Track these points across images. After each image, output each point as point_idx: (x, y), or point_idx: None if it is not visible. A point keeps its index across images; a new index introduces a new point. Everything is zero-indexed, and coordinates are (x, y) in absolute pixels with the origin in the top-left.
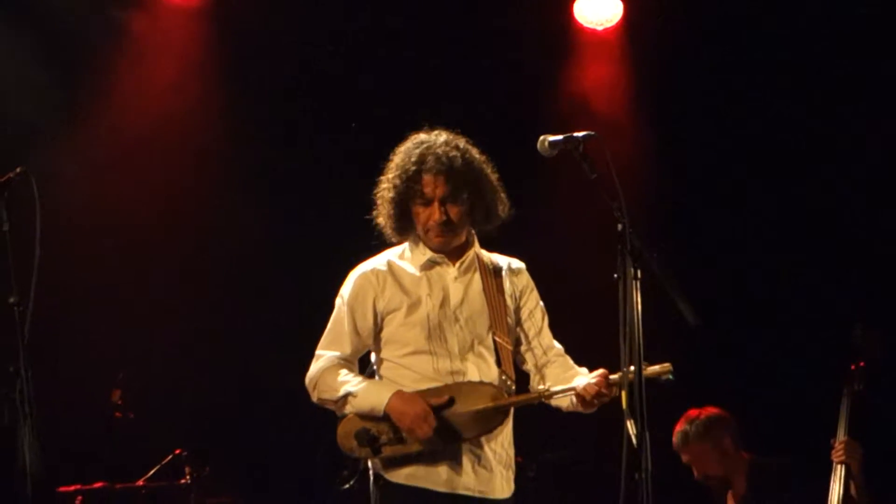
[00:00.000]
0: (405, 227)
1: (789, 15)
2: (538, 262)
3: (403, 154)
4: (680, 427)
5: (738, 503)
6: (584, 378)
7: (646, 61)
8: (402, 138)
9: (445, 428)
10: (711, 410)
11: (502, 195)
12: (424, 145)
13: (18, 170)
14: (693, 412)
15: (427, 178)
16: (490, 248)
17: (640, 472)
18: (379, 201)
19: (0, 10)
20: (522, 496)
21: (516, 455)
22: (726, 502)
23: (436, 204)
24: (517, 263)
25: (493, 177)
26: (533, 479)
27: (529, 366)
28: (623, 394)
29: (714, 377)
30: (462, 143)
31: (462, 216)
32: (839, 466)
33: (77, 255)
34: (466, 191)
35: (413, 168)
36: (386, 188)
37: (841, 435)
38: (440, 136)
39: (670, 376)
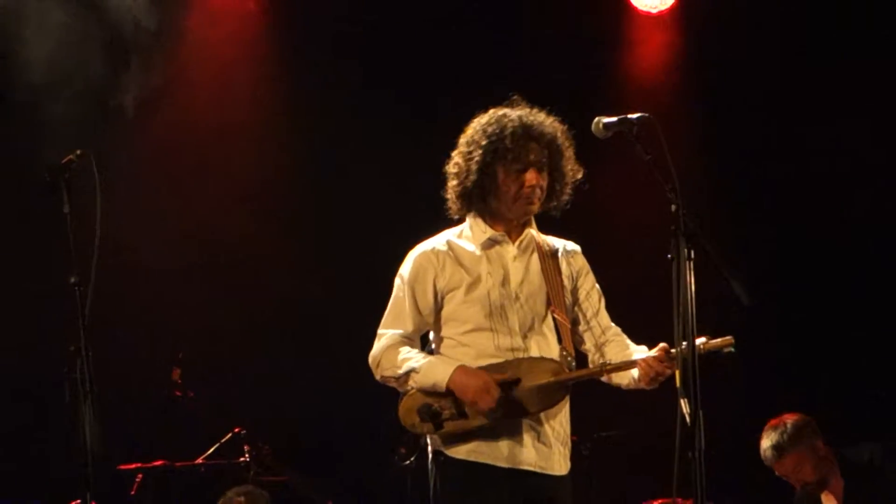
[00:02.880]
0: (481, 195)
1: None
2: (594, 243)
3: (494, 122)
4: (767, 440)
5: (841, 501)
6: (643, 351)
7: (697, 44)
8: (460, 119)
9: (508, 402)
10: (793, 417)
11: (577, 180)
12: (523, 116)
13: (79, 152)
14: (774, 422)
15: (533, 145)
16: (545, 230)
17: (694, 450)
18: (455, 170)
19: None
20: (576, 474)
21: (572, 433)
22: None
23: (533, 171)
24: (572, 246)
25: (573, 160)
26: (587, 457)
27: (588, 345)
28: (677, 372)
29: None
30: (558, 121)
31: (544, 191)
32: None
33: (136, 236)
34: (553, 168)
35: (517, 132)
36: (473, 153)
37: None
38: (535, 111)
39: (732, 349)
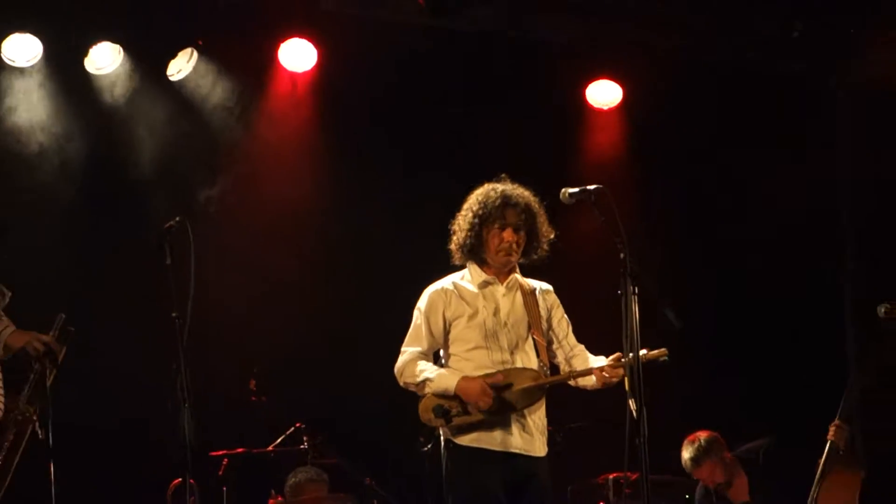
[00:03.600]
0: (475, 249)
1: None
2: (563, 282)
3: (483, 194)
4: (686, 453)
5: (745, 492)
6: (602, 361)
7: (637, 133)
8: (456, 186)
9: (500, 402)
10: (705, 434)
11: (548, 235)
12: (505, 189)
13: (178, 219)
14: (691, 437)
15: (510, 211)
16: (525, 275)
17: (640, 437)
18: (456, 228)
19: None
20: (553, 454)
21: (548, 424)
22: (729, 497)
23: (510, 230)
24: (546, 286)
25: (545, 221)
26: (560, 442)
27: (560, 359)
28: (626, 379)
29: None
30: (529, 192)
31: (520, 245)
32: (828, 442)
33: (219, 281)
34: (528, 227)
35: (497, 202)
36: (468, 216)
37: (837, 417)
38: (516, 186)
39: (666, 358)
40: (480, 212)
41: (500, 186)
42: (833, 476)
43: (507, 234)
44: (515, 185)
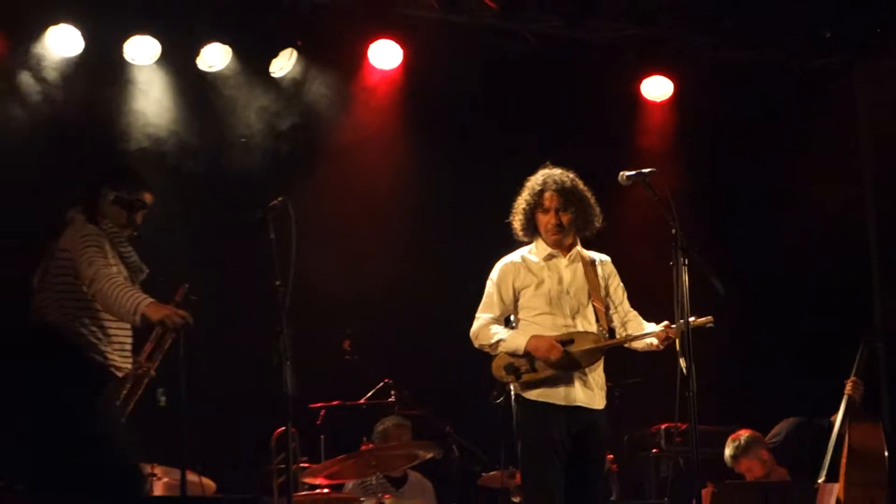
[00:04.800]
0: (531, 230)
1: None
2: (621, 254)
3: (532, 181)
4: (728, 450)
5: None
6: (653, 326)
7: (685, 126)
8: (526, 172)
9: (566, 360)
10: (746, 433)
11: (597, 211)
12: (545, 174)
13: (280, 199)
14: (733, 436)
15: (547, 194)
16: (587, 247)
17: (689, 391)
18: (514, 212)
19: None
20: (611, 407)
21: (607, 380)
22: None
23: (552, 212)
24: (604, 257)
25: (591, 198)
26: (617, 397)
27: (616, 323)
28: (677, 341)
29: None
30: (571, 174)
31: (569, 222)
32: (846, 396)
33: (316, 252)
34: (572, 205)
35: (538, 188)
36: (519, 203)
37: (852, 374)
38: (556, 169)
39: (712, 325)
40: (528, 198)
41: (542, 173)
42: (857, 425)
43: (549, 217)
44: (559, 171)
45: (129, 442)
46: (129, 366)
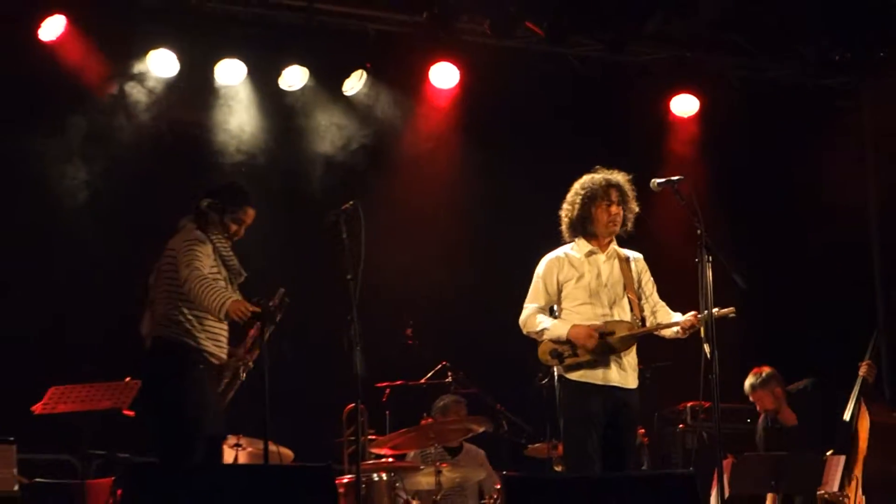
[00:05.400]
0: (579, 226)
1: None
2: (651, 252)
3: (588, 180)
4: (749, 380)
5: (790, 418)
6: (680, 316)
7: (709, 138)
8: (569, 180)
9: (603, 346)
10: (767, 369)
11: (635, 213)
12: (605, 174)
13: (351, 203)
14: (756, 370)
15: (612, 189)
16: (621, 245)
17: (712, 374)
18: (567, 207)
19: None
20: (642, 387)
21: (639, 363)
22: (778, 420)
23: (615, 206)
24: (637, 254)
25: (634, 202)
26: (648, 378)
27: (647, 313)
28: (702, 329)
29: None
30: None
31: (621, 218)
32: (859, 378)
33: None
34: (625, 204)
35: (603, 183)
36: (576, 198)
37: (866, 357)
38: (613, 171)
39: (733, 314)
40: (588, 193)
41: (599, 174)
42: (875, 404)
43: (613, 209)
44: (613, 171)
45: (215, 417)
46: (224, 355)
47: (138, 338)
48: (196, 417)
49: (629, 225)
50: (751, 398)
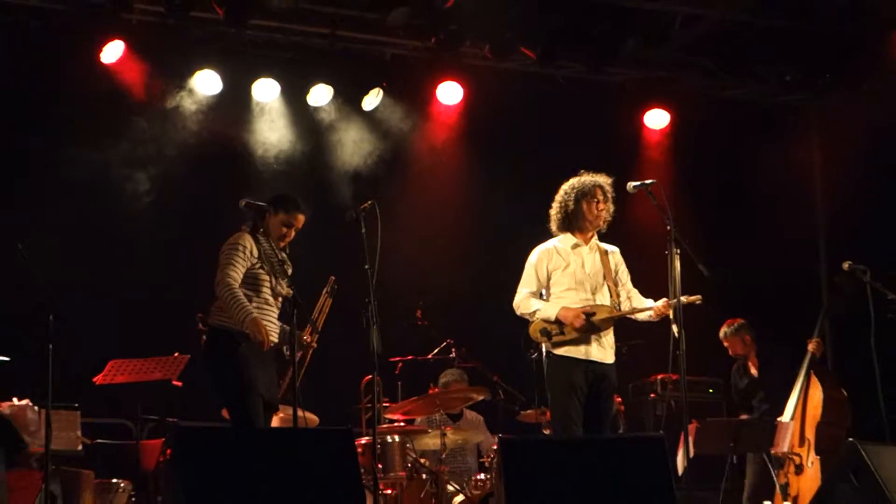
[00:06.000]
0: (567, 221)
1: None
2: (627, 245)
3: (577, 181)
4: (723, 329)
5: (756, 369)
6: (652, 302)
7: (678, 148)
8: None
9: (587, 326)
10: (739, 320)
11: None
12: (592, 176)
13: (369, 202)
14: (729, 321)
15: (598, 189)
16: (601, 240)
17: (679, 350)
18: (556, 205)
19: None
20: (618, 362)
21: (616, 341)
22: (748, 369)
23: (602, 202)
24: (614, 248)
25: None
26: (624, 353)
27: (623, 298)
28: (671, 312)
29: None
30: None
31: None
32: (808, 353)
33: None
34: (608, 202)
35: (591, 183)
36: (568, 195)
37: (815, 335)
38: (597, 175)
39: (700, 301)
40: (579, 191)
41: (588, 176)
42: (825, 376)
43: (600, 206)
44: (597, 174)
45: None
46: (275, 336)
47: (186, 320)
48: (246, 388)
49: (606, 223)
50: (724, 344)
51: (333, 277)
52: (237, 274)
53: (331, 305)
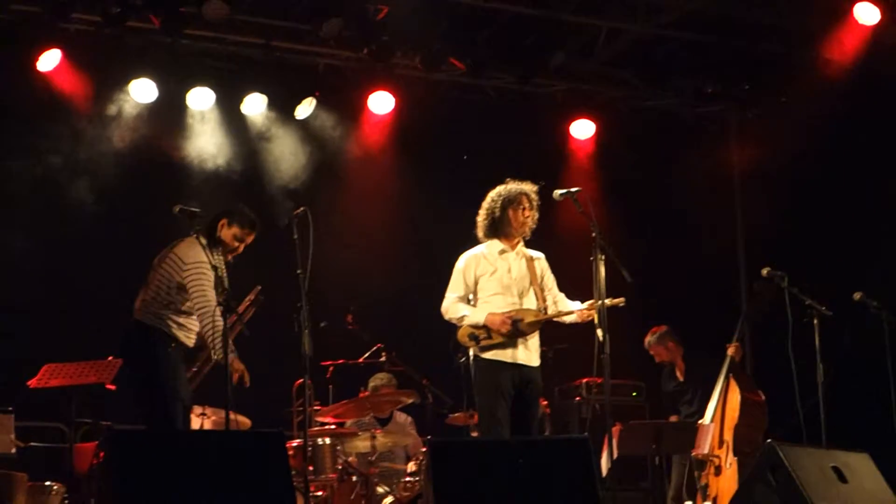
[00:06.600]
0: (494, 227)
1: None
2: (553, 251)
3: (504, 189)
4: (647, 337)
5: (682, 373)
6: (578, 304)
7: (603, 157)
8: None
9: (514, 329)
10: (662, 328)
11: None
12: (518, 184)
13: (302, 208)
14: (654, 329)
15: (524, 197)
16: (527, 246)
17: (603, 353)
18: (483, 212)
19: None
20: (544, 365)
21: (542, 345)
22: (675, 373)
23: (528, 209)
24: (539, 254)
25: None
26: (550, 357)
27: (549, 302)
28: (595, 316)
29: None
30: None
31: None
32: (728, 357)
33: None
34: (534, 210)
35: (517, 191)
36: (495, 202)
37: (734, 340)
38: (523, 183)
39: (623, 304)
40: (505, 198)
41: (514, 184)
42: (744, 380)
43: (526, 213)
44: (523, 182)
45: (186, 388)
46: (192, 342)
47: (120, 322)
48: (172, 385)
49: (531, 230)
50: (650, 352)
51: (259, 287)
52: (212, 295)
53: (253, 313)
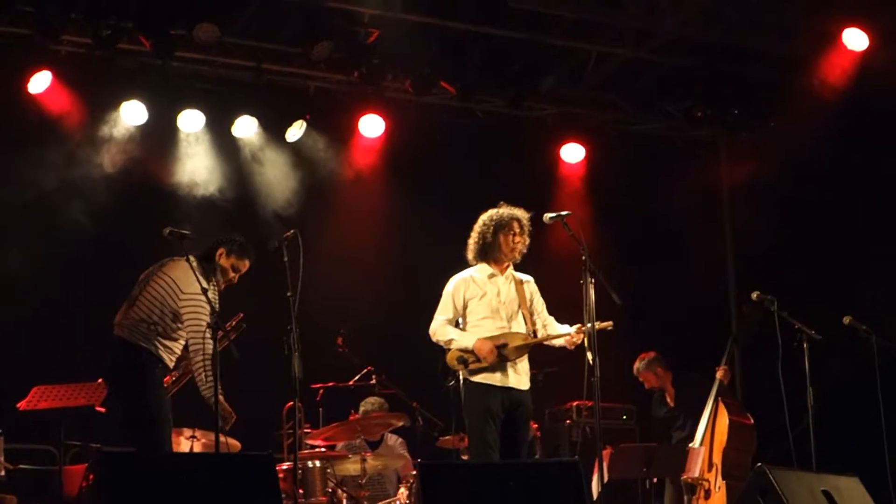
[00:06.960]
0: (484, 251)
1: None
2: (543, 274)
3: (495, 213)
4: (636, 364)
5: (672, 399)
6: (568, 328)
7: (593, 181)
8: (476, 214)
9: (501, 354)
10: (651, 354)
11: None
12: (509, 209)
13: (292, 231)
14: (642, 355)
15: (515, 222)
16: (516, 269)
17: (594, 377)
18: (474, 235)
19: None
20: (534, 389)
21: (531, 368)
22: (665, 399)
23: (519, 234)
24: (529, 277)
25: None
26: (540, 381)
27: (538, 326)
28: (585, 339)
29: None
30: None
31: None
32: (717, 381)
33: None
34: (525, 234)
35: (509, 216)
36: (487, 227)
37: (723, 363)
38: (515, 208)
39: (611, 327)
40: (496, 223)
41: (506, 208)
42: (732, 403)
43: (517, 238)
44: (514, 207)
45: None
46: (172, 363)
47: (109, 345)
48: (161, 407)
49: (523, 253)
50: (639, 378)
51: (241, 314)
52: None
53: (235, 338)
